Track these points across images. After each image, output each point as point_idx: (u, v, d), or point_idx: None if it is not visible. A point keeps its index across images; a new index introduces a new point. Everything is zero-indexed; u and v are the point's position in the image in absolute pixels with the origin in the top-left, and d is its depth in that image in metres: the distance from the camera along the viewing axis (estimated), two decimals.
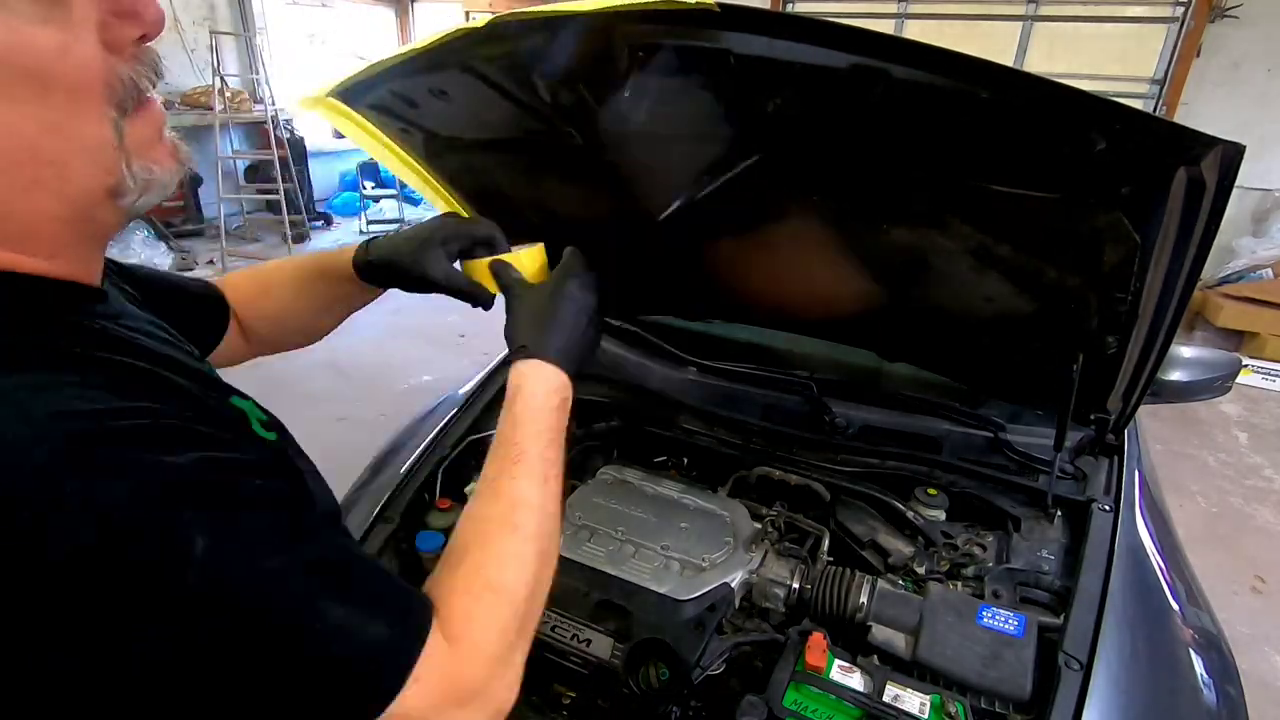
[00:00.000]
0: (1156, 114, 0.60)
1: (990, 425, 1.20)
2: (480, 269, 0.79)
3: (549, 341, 0.69)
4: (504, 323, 0.74)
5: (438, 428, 1.26)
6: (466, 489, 1.16)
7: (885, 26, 4.70)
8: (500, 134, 0.95)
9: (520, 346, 0.69)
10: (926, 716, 0.75)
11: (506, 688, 0.51)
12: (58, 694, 0.35)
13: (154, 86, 0.45)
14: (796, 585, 0.93)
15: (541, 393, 0.66)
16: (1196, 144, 0.61)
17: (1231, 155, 0.62)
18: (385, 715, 0.43)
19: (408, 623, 0.46)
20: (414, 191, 1.21)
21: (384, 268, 0.81)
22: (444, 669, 0.46)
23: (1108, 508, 1.02)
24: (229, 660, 0.38)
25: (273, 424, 0.51)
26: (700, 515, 1.05)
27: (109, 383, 0.39)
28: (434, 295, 0.83)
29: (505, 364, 1.43)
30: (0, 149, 0.39)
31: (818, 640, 0.81)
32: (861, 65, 0.64)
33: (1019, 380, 1.15)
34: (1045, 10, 4.54)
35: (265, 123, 5.71)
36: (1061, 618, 0.84)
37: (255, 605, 0.38)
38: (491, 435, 0.64)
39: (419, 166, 1.09)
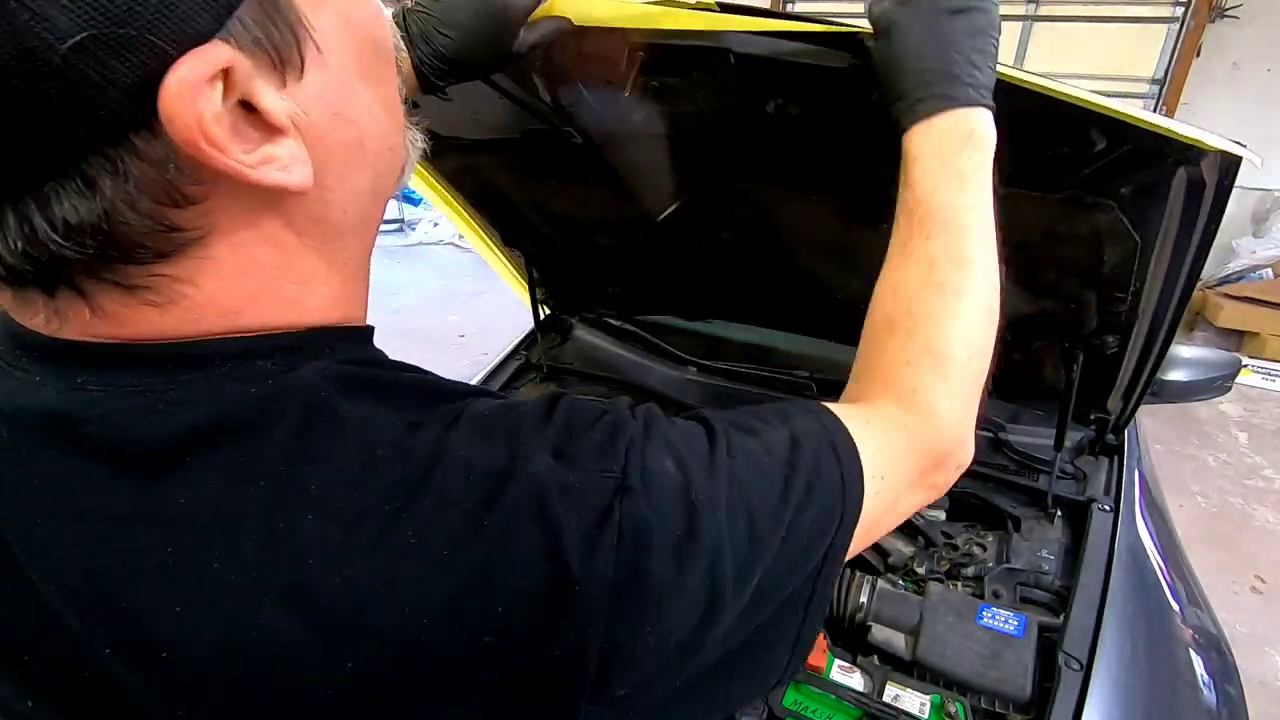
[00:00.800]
0: (1156, 114, 0.60)
1: (990, 425, 1.20)
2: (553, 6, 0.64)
3: (931, 88, 0.52)
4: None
5: None
6: None
7: None
8: (500, 134, 0.95)
9: (897, 120, 0.54)
10: (926, 716, 0.75)
11: (965, 445, 0.51)
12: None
13: None
14: None
15: (938, 147, 0.53)
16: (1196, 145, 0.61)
17: (1231, 156, 0.62)
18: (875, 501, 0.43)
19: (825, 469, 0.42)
20: (414, 191, 1.22)
21: (456, 70, 0.63)
22: (907, 447, 0.47)
23: (1108, 508, 1.02)
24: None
25: None
26: None
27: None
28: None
29: (520, 352, 1.44)
30: (376, 145, 0.36)
31: (818, 640, 0.82)
32: (862, 65, 0.64)
33: (1019, 380, 1.15)
34: (1045, 10, 4.53)
35: None
36: (1061, 618, 0.84)
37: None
38: None
39: (419, 166, 1.09)
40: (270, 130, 0.31)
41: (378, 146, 0.37)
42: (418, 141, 0.43)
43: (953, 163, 0.52)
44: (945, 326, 0.51)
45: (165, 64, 0.27)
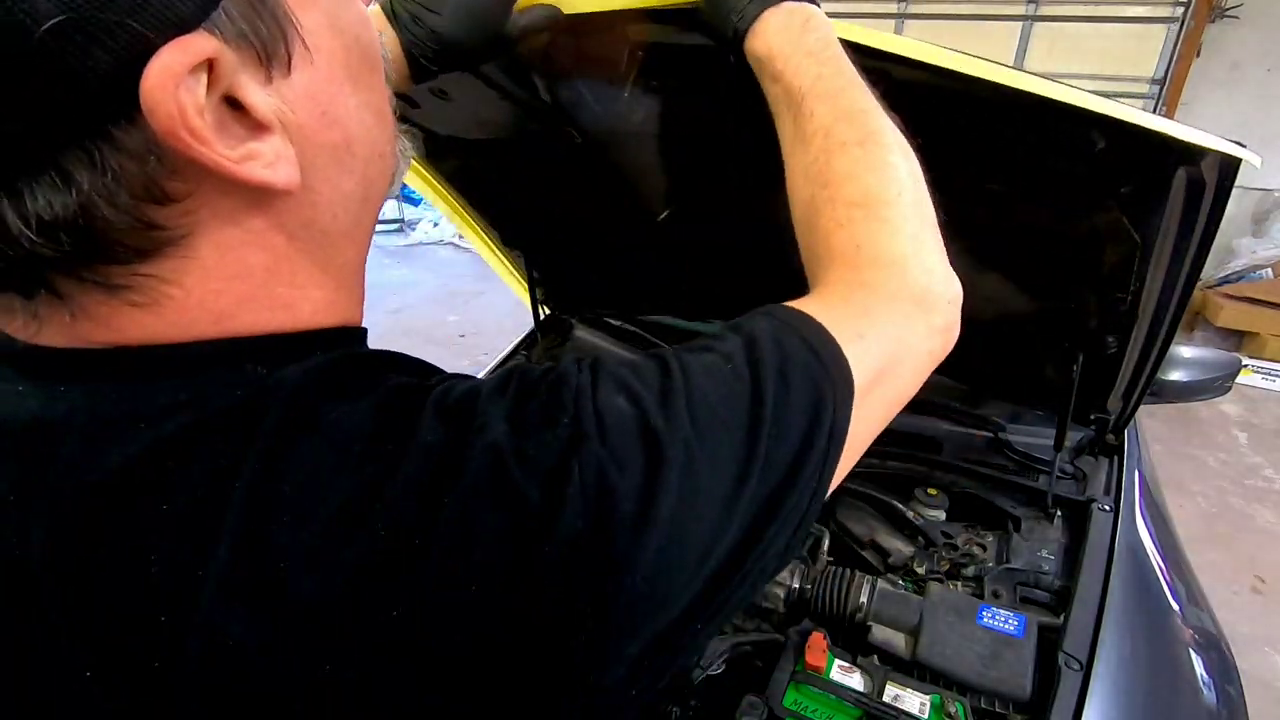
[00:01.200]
0: (1156, 114, 0.60)
1: (990, 425, 1.20)
2: None
3: None
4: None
5: None
6: None
7: (885, 26, 4.70)
8: (500, 134, 0.95)
9: (732, 37, 0.57)
10: (926, 716, 0.75)
11: (939, 276, 0.48)
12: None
13: None
14: (796, 585, 0.93)
15: (781, 36, 0.55)
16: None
17: (1231, 157, 0.62)
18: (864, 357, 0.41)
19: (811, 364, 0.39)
20: (414, 191, 1.21)
21: (446, 53, 0.62)
22: (875, 300, 0.44)
23: (1108, 508, 1.02)
24: None
25: None
26: None
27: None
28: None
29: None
30: (366, 151, 0.36)
31: (818, 640, 0.81)
32: (862, 66, 0.64)
33: (1019, 380, 1.15)
34: (1045, 10, 4.54)
35: None
36: (1061, 618, 0.84)
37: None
38: None
39: (419, 166, 1.09)
40: (256, 127, 0.30)
41: (366, 151, 0.37)
42: (408, 150, 0.43)
43: (802, 45, 0.53)
44: (862, 176, 0.49)
45: (147, 52, 0.26)
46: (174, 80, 0.27)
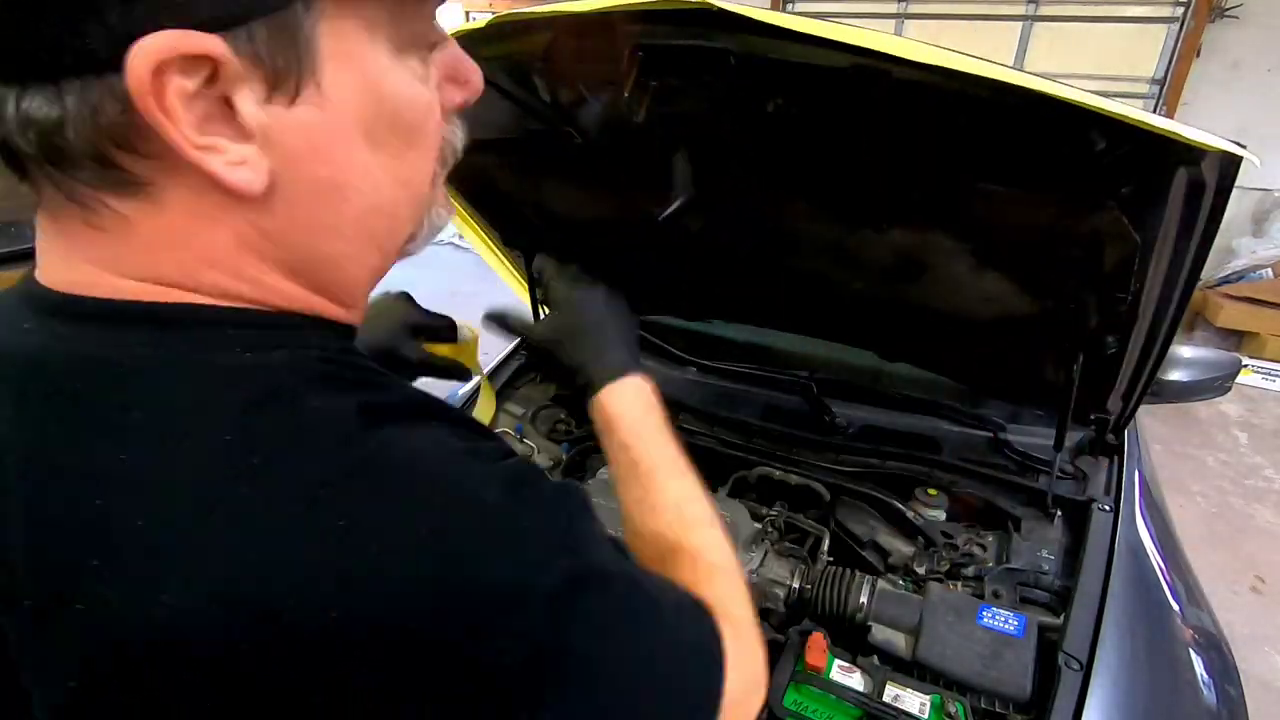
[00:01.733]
0: (1156, 114, 0.60)
1: (990, 425, 1.20)
2: (459, 350, 0.87)
3: (611, 361, 0.68)
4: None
5: None
6: None
7: (885, 26, 4.70)
8: (500, 134, 0.95)
9: (588, 383, 0.68)
10: (926, 716, 0.75)
11: (762, 657, 0.52)
12: None
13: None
14: (797, 585, 0.94)
15: (632, 409, 0.66)
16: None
17: (1231, 156, 0.62)
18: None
19: (704, 616, 0.45)
20: None
21: None
22: (736, 653, 0.47)
23: (1108, 508, 1.02)
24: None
25: None
26: None
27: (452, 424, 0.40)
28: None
29: (527, 367, 1.44)
30: (365, 202, 0.39)
31: (818, 640, 0.82)
32: (861, 65, 0.64)
33: (1019, 380, 1.15)
34: (1045, 10, 4.54)
35: None
36: (1061, 618, 0.84)
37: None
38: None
39: None
40: (240, 132, 0.33)
41: (366, 204, 0.39)
42: (440, 219, 0.46)
43: (649, 422, 0.65)
44: (712, 550, 0.57)
45: (150, 28, 0.30)
46: (157, 56, 0.30)
